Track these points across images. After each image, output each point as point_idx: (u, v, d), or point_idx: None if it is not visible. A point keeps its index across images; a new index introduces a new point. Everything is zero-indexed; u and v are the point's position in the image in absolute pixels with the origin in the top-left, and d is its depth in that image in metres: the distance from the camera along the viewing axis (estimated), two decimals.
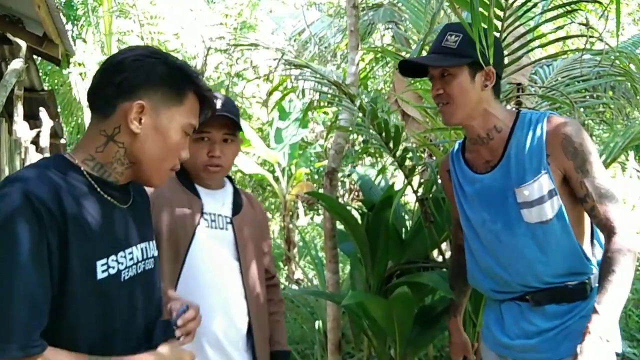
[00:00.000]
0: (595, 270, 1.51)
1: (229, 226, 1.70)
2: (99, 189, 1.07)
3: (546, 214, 1.47)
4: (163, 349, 1.13)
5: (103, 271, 1.02)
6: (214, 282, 1.63)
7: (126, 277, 1.08)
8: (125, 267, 1.08)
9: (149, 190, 1.59)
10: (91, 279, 1.00)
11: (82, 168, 1.07)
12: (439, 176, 2.03)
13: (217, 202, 1.71)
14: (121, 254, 1.08)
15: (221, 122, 1.64)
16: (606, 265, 1.39)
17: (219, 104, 1.65)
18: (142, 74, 1.08)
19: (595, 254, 1.55)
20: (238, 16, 7.63)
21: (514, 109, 2.75)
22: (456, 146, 1.73)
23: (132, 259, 1.11)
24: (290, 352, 1.93)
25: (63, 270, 0.96)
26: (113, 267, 1.05)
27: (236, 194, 1.79)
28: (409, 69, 1.67)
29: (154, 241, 1.24)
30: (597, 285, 1.48)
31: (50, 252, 0.94)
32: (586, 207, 1.46)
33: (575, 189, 1.47)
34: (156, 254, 1.24)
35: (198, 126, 1.57)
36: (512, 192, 1.51)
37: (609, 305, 1.35)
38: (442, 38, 1.54)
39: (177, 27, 6.86)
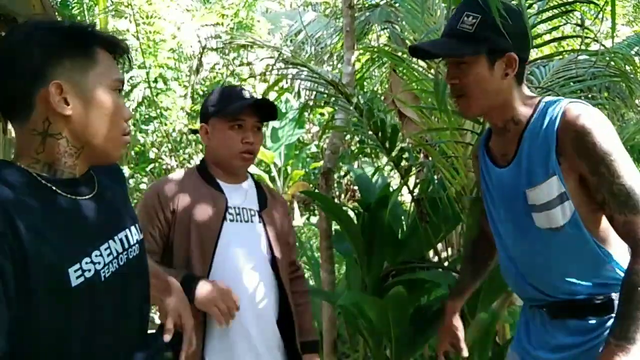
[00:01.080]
0: None
1: (255, 219, 1.71)
2: (58, 190, 0.97)
3: (557, 221, 1.29)
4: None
5: (78, 277, 0.93)
6: (243, 278, 1.63)
7: (107, 275, 1.00)
8: (104, 265, 1.00)
9: (170, 189, 1.62)
10: (67, 288, 0.91)
11: (31, 172, 0.96)
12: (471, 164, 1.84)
13: (240, 195, 1.72)
14: (96, 252, 0.99)
15: (253, 109, 1.68)
16: (625, 290, 1.21)
17: (244, 93, 1.74)
18: (38, 52, 0.93)
19: None
20: (234, 16, 7.62)
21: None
22: (486, 132, 1.57)
23: (110, 254, 1.02)
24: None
25: (28, 291, 0.87)
26: (89, 270, 0.96)
27: (258, 187, 1.82)
28: (420, 51, 1.47)
29: (137, 225, 1.17)
30: None
31: (3, 277, 0.83)
32: (606, 214, 1.27)
33: (593, 193, 1.26)
34: (140, 237, 1.15)
35: (230, 114, 1.64)
36: (524, 193, 1.34)
37: (629, 340, 1.16)
38: (458, 18, 1.34)
39: (173, 26, 6.84)
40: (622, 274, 1.25)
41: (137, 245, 1.13)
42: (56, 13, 5.17)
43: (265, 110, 1.73)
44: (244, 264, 1.65)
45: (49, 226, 0.93)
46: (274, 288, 1.70)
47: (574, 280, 1.33)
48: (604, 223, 1.30)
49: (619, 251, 1.32)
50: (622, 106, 3.10)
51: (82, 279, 0.94)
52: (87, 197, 1.03)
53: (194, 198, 1.64)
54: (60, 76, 0.95)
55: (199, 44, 6.69)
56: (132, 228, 1.13)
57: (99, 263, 0.99)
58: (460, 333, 1.69)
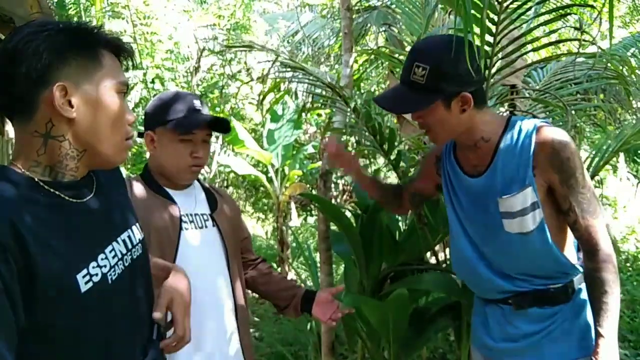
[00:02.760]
0: (579, 272, 1.53)
1: (208, 224, 1.70)
2: (61, 195, 0.96)
3: (527, 226, 1.46)
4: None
5: (86, 282, 0.93)
6: (205, 285, 1.61)
7: (114, 278, 1.00)
8: (110, 268, 0.99)
9: None
10: (75, 295, 0.91)
11: (33, 177, 0.95)
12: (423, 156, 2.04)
13: (190, 201, 1.70)
14: (101, 256, 0.98)
15: (204, 124, 1.64)
16: (597, 286, 1.41)
17: (197, 104, 1.67)
18: (44, 53, 0.92)
19: (581, 258, 1.54)
20: (231, 17, 7.61)
21: (506, 112, 2.76)
22: (449, 141, 1.71)
23: (114, 256, 1.02)
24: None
25: (36, 300, 0.86)
26: (96, 275, 0.95)
27: (205, 189, 1.80)
28: (382, 104, 1.62)
29: (138, 224, 1.15)
30: (579, 287, 1.54)
31: (8, 290, 0.81)
32: (569, 220, 1.46)
33: (560, 201, 1.46)
34: (142, 236, 1.15)
35: (184, 129, 1.59)
36: (495, 201, 1.50)
37: (611, 328, 1.37)
38: (409, 68, 1.47)
39: (170, 27, 6.82)
40: (572, 268, 1.50)
41: (139, 244, 1.13)
42: (53, 14, 5.16)
43: (217, 123, 1.68)
44: (205, 271, 1.64)
45: (54, 233, 0.91)
46: (230, 293, 1.71)
47: (536, 273, 1.52)
48: (560, 228, 1.51)
49: (568, 250, 1.54)
50: (619, 108, 3.12)
51: (90, 284, 0.94)
52: (87, 198, 1.02)
53: (147, 210, 1.57)
54: (65, 78, 0.94)
55: (197, 45, 6.69)
56: (134, 227, 1.13)
57: (105, 266, 0.99)
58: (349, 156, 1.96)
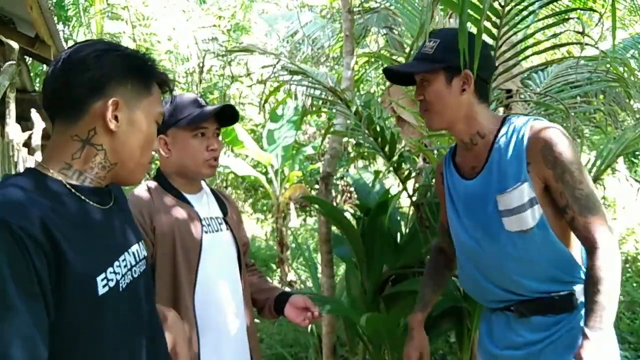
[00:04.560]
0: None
1: (223, 227, 1.73)
2: (86, 199, 1.02)
3: (527, 223, 1.42)
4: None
5: (104, 286, 0.97)
6: (225, 286, 1.66)
7: (123, 286, 1.04)
8: (122, 276, 1.04)
9: (146, 207, 1.60)
10: (94, 297, 0.95)
11: (61, 179, 1.00)
12: (433, 180, 2.01)
13: (203, 205, 1.72)
14: (117, 263, 1.03)
15: (213, 116, 1.68)
16: (591, 284, 1.33)
17: (202, 100, 1.72)
18: (108, 69, 1.02)
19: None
20: (231, 18, 7.61)
21: (503, 113, 2.76)
22: (451, 149, 1.71)
23: (126, 265, 1.07)
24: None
25: (61, 299, 0.90)
26: (112, 280, 1.00)
27: (214, 193, 1.84)
28: (396, 77, 1.66)
29: (142, 241, 1.20)
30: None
31: (42, 285, 0.86)
32: (566, 218, 1.40)
33: (556, 198, 1.41)
34: (146, 254, 1.20)
35: (198, 120, 1.64)
36: (494, 200, 1.47)
37: (601, 330, 1.29)
38: (423, 44, 1.54)
39: (169, 28, 6.82)
40: (581, 273, 1.44)
41: (143, 260, 1.17)
42: (53, 15, 5.16)
43: (225, 115, 1.71)
44: (224, 273, 1.68)
45: (80, 235, 0.96)
46: (241, 294, 1.74)
47: (539, 278, 1.47)
48: (565, 227, 1.44)
49: (576, 252, 1.47)
50: (619, 110, 3.12)
51: (107, 288, 0.98)
52: (109, 206, 1.09)
53: (169, 214, 1.61)
54: (120, 95, 1.03)
55: (196, 46, 6.69)
56: (140, 244, 1.18)
57: (119, 273, 1.03)
58: (427, 346, 1.80)
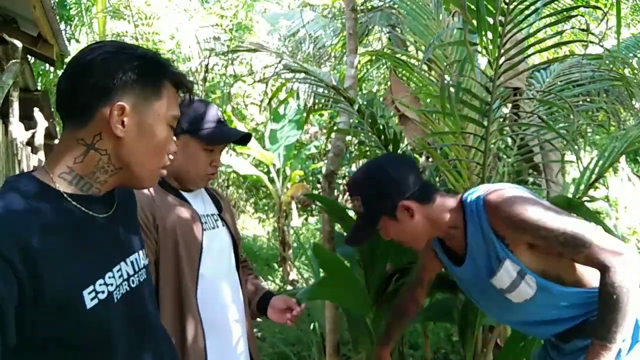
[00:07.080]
0: None
1: (219, 224, 1.76)
2: (79, 206, 0.98)
3: (527, 293, 1.46)
4: None
5: (92, 299, 0.94)
6: (224, 282, 1.69)
7: (118, 297, 1.01)
8: (116, 287, 1.01)
9: (146, 204, 1.59)
10: (82, 311, 0.92)
11: (57, 185, 0.97)
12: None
13: (199, 203, 1.74)
14: (109, 274, 1.00)
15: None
16: (605, 301, 1.33)
17: (220, 115, 1.72)
18: (115, 72, 0.98)
19: None
20: (233, 17, 7.62)
21: (509, 112, 2.76)
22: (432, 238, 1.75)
23: (121, 276, 1.04)
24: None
25: (42, 315, 0.87)
26: (102, 292, 0.96)
27: (208, 191, 1.86)
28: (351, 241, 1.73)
29: (143, 250, 1.18)
30: None
31: (2, 310, 0.82)
32: (566, 258, 1.42)
33: (547, 250, 1.42)
34: (146, 262, 1.17)
35: (216, 141, 1.66)
36: (490, 283, 1.52)
37: (606, 340, 1.31)
38: (352, 202, 1.62)
39: (171, 27, 6.83)
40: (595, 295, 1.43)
41: (144, 269, 1.14)
42: (55, 14, 5.16)
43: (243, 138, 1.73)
44: (223, 268, 1.72)
45: (67, 249, 0.93)
46: (240, 290, 1.78)
47: (564, 319, 1.51)
48: (569, 265, 1.47)
49: (590, 275, 1.48)
50: (621, 109, 3.12)
51: (95, 301, 0.95)
52: (104, 215, 1.05)
53: (170, 212, 1.61)
54: (127, 99, 0.99)
55: (198, 45, 6.69)
56: (141, 252, 1.15)
57: (112, 285, 1.00)
58: None
